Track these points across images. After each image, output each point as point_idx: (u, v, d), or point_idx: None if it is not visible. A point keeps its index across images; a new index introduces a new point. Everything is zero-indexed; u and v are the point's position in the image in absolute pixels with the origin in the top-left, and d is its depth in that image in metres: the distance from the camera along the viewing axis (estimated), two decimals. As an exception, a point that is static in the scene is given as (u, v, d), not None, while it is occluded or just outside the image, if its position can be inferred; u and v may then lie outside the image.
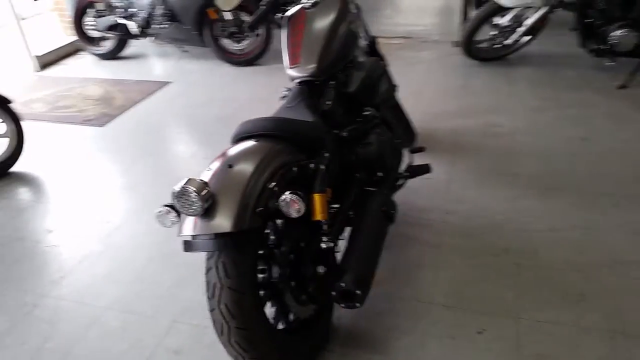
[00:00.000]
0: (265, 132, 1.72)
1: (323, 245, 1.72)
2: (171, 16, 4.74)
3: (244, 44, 4.79)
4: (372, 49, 2.85)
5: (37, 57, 5.13)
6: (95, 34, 5.22)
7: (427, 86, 4.12)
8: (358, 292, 1.66)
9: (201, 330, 2.01)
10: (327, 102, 2.09)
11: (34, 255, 2.53)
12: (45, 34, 5.77)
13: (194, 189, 1.39)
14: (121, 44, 5.23)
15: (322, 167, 1.77)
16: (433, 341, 1.90)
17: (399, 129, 2.93)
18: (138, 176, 3.18)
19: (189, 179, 1.42)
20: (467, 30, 4.20)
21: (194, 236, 1.48)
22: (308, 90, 2.08)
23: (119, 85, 4.64)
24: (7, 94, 3.30)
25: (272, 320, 1.72)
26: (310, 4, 2.28)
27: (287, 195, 1.48)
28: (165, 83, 4.61)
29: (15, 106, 3.32)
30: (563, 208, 2.55)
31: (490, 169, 2.92)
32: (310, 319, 1.84)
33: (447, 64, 4.52)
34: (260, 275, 1.66)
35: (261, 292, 1.65)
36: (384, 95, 2.56)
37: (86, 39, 5.27)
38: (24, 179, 3.27)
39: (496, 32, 4.25)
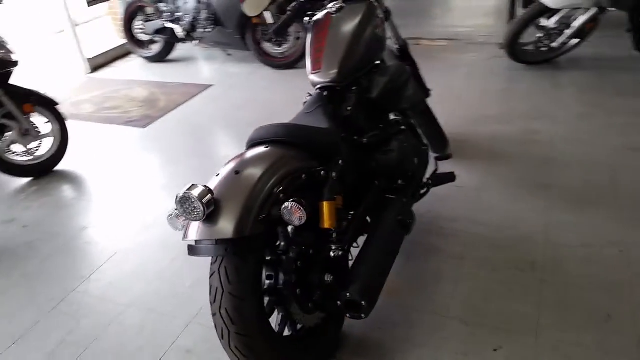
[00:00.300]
0: (277, 138, 1.72)
1: (332, 254, 1.71)
2: (215, 20, 4.84)
3: (285, 47, 4.83)
4: (404, 54, 2.80)
5: (88, 59, 5.37)
6: (143, 37, 5.41)
7: (467, 90, 4.01)
8: (363, 303, 1.62)
9: (214, 332, 2.02)
10: (348, 108, 2.07)
11: (67, 251, 2.64)
12: (100, 37, 6.03)
13: (196, 195, 1.41)
14: (168, 48, 5.39)
15: (334, 174, 1.75)
16: (445, 356, 1.84)
17: (430, 136, 2.87)
18: (175, 177, 3.26)
19: (192, 185, 1.44)
20: (511, 32, 4.05)
21: (197, 241, 1.50)
22: (328, 96, 2.07)
23: (163, 87, 4.78)
24: (54, 96, 3.47)
25: (278, 327, 1.73)
26: (335, 8, 2.26)
27: (289, 203, 1.47)
28: (208, 86, 4.70)
29: (65, 107, 3.49)
30: (599, 223, 2.41)
31: (525, 178, 2.80)
32: (319, 327, 1.83)
33: (491, 67, 4.38)
34: (267, 282, 1.67)
35: (266, 299, 1.66)
36: (411, 101, 2.50)
37: (135, 42, 5.47)
38: (66, 177, 3.42)
39: (542, 34, 4.08)
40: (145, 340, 2.05)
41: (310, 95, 2.16)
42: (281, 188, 1.55)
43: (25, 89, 3.31)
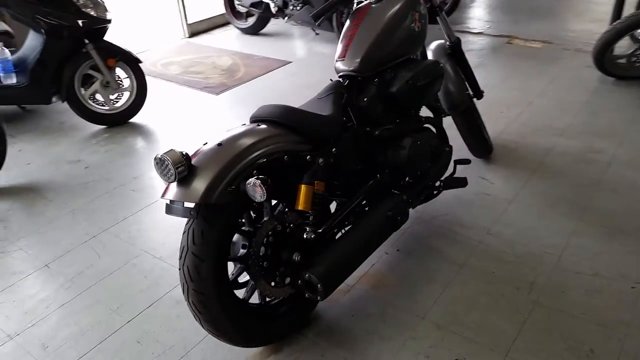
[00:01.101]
0: (273, 118, 1.80)
1: (305, 235, 1.77)
2: (305, 0, 4.96)
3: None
4: (455, 52, 2.72)
5: (189, 24, 5.75)
6: (242, 9, 5.67)
7: (542, 96, 3.78)
8: (319, 286, 1.68)
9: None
10: (365, 99, 2.09)
11: (114, 194, 2.95)
12: (204, 4, 6.41)
13: (170, 159, 1.54)
14: (263, 21, 5.62)
15: (320, 160, 1.80)
16: (406, 354, 1.84)
17: (468, 138, 2.78)
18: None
19: (171, 150, 1.57)
20: (601, 43, 3.73)
21: (171, 200, 1.64)
22: (348, 85, 2.10)
23: (247, 59, 5.02)
24: (139, 54, 3.81)
25: (245, 293, 1.84)
26: None
27: (252, 179, 1.56)
28: (288, 62, 4.86)
29: (155, 66, 3.82)
30: (622, 255, 2.22)
31: (564, 197, 2.64)
32: (289, 302, 1.91)
33: (579, 77, 4.08)
34: (242, 250, 1.77)
35: (237, 265, 1.78)
36: (433, 99, 2.46)
37: (234, 13, 5.76)
38: (136, 130, 3.77)
39: (638, 47, 3.72)
40: (148, 284, 2.26)
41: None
42: (257, 164, 1.64)
43: (114, 46, 3.67)
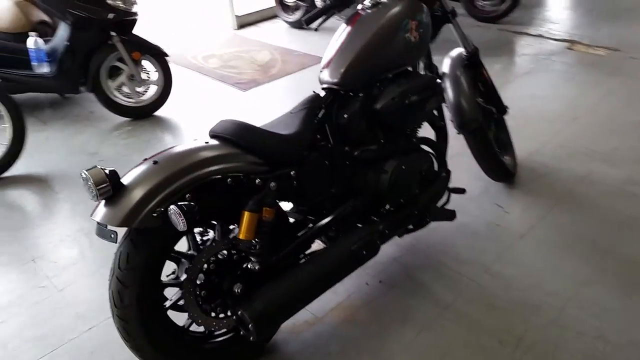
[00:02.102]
0: (225, 135, 1.66)
1: (249, 265, 1.63)
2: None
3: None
4: (473, 62, 2.45)
5: (237, 16, 5.70)
6: (289, 2, 5.55)
7: (591, 113, 3.37)
8: (251, 326, 1.54)
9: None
10: (345, 115, 1.90)
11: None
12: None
13: (92, 178, 1.44)
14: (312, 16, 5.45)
15: (273, 184, 1.64)
16: (354, 408, 1.67)
17: (482, 161, 2.50)
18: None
19: (95, 167, 1.46)
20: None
21: (98, 222, 1.53)
22: (329, 99, 1.91)
23: (287, 54, 4.89)
24: (165, 48, 3.79)
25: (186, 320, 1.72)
26: (370, 4, 2.06)
27: (173, 207, 1.43)
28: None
29: (195, 59, 3.78)
30: (637, 317, 1.90)
31: (584, 235, 2.30)
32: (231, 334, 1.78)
33: (639, 91, 3.61)
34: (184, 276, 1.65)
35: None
36: (420, 121, 2.20)
37: (282, 6, 5.65)
38: (159, 123, 3.76)
39: None
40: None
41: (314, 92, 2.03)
42: (192, 187, 1.51)
43: (141, 39, 3.67)
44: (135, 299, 1.52)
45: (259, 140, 1.67)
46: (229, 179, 1.58)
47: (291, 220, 1.91)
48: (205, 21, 6.08)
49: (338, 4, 2.13)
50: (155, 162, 1.54)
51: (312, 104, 1.89)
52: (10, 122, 3.10)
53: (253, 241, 1.61)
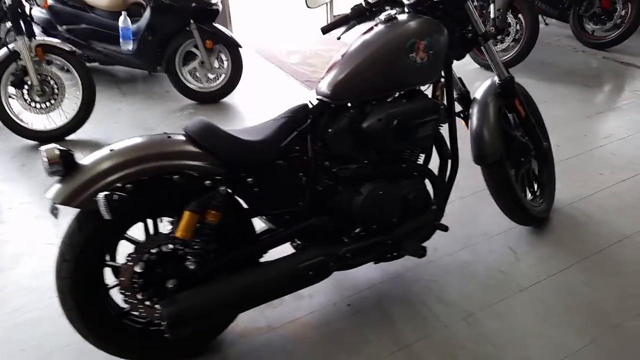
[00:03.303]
0: (189, 133, 1.69)
1: (187, 264, 1.65)
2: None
3: (500, 46, 4.26)
4: (507, 90, 2.24)
5: (334, 16, 5.73)
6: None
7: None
8: (164, 323, 1.56)
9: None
10: (329, 130, 1.84)
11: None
12: None
13: (46, 156, 1.54)
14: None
15: (222, 188, 1.64)
16: None
17: (499, 201, 2.28)
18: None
19: (52, 146, 1.56)
20: None
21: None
22: (318, 111, 1.87)
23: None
24: (240, 40, 3.92)
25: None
26: (385, 18, 1.97)
27: (100, 194, 1.48)
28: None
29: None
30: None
31: (595, 304, 2.00)
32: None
33: None
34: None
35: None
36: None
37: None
38: (220, 110, 3.93)
39: None
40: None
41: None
42: (135, 179, 1.56)
43: (217, 30, 3.84)
44: (70, 274, 1.60)
45: (219, 142, 1.68)
46: (175, 176, 1.61)
47: (266, 226, 1.90)
48: (305, 18, 6.18)
49: (356, 15, 2.06)
50: (111, 150, 1.61)
51: (297, 113, 1.85)
52: (81, 90, 3.42)
53: (191, 241, 1.63)
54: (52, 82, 3.43)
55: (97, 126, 3.65)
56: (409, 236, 1.93)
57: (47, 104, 3.45)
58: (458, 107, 2.31)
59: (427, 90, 2.02)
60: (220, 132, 1.69)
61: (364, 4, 2.04)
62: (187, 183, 1.62)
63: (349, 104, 1.87)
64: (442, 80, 2.05)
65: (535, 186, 2.52)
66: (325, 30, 2.11)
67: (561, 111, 3.65)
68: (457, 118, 2.23)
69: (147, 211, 1.68)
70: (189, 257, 1.65)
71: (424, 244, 1.98)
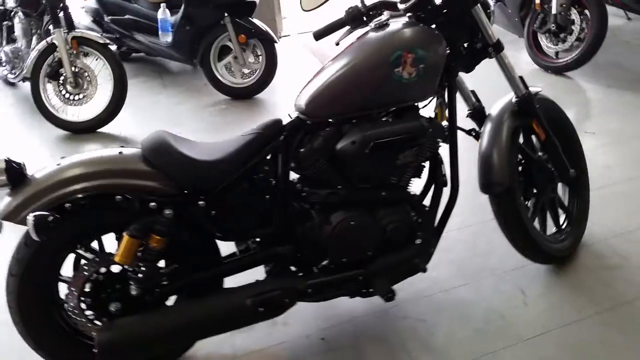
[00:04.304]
0: (143, 151, 1.60)
1: (131, 291, 1.56)
2: (497, -6, 4.17)
3: (561, 46, 3.82)
4: (526, 110, 1.95)
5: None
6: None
7: None
8: (98, 353, 1.48)
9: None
10: (302, 150, 1.68)
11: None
12: None
13: None
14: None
15: (168, 212, 1.53)
16: None
17: (505, 233, 2.01)
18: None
19: (3, 159, 1.52)
20: None
21: None
22: (290, 127, 1.71)
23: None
24: (274, 35, 3.80)
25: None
26: (377, 24, 1.76)
27: (30, 216, 1.41)
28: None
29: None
30: None
31: (611, 368, 1.71)
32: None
33: None
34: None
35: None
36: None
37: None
38: (251, 107, 3.85)
39: None
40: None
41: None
42: (74, 197, 1.49)
43: (253, 24, 3.74)
44: (16, 289, 1.57)
45: (170, 161, 1.56)
46: (118, 197, 1.51)
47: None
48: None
49: (351, 20, 1.86)
50: (58, 164, 1.55)
51: (268, 129, 1.70)
52: (113, 84, 3.45)
53: (131, 267, 1.54)
54: (85, 74, 3.49)
55: (131, 118, 3.69)
56: (385, 273, 1.73)
57: (80, 95, 3.52)
58: (471, 124, 2.05)
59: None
60: (172, 150, 1.57)
61: (360, 6, 1.84)
62: (130, 204, 1.52)
63: (330, 121, 1.69)
64: (443, 95, 1.82)
65: (562, 218, 2.20)
66: (318, 35, 1.94)
67: (623, 125, 3.20)
68: (466, 137, 2.00)
69: (93, 229, 1.61)
70: (131, 282, 1.56)
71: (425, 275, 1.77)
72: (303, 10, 2.11)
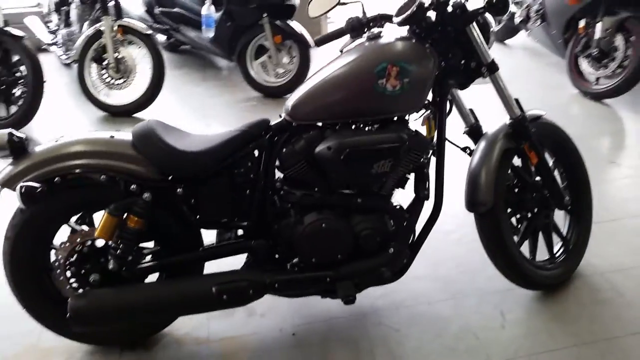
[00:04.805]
0: (132, 136, 1.70)
1: (109, 265, 1.67)
2: (543, 15, 4.06)
3: (602, 72, 3.68)
4: (518, 133, 1.91)
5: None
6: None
7: None
8: (69, 318, 1.59)
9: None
10: (284, 150, 1.74)
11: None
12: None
13: None
14: (508, 30, 4.90)
15: (147, 195, 1.63)
16: None
17: (489, 255, 1.99)
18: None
19: (6, 131, 1.65)
20: None
21: None
22: (279, 129, 1.77)
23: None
24: (309, 39, 3.87)
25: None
26: (372, 34, 1.80)
27: (18, 186, 1.54)
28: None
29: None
30: None
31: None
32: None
33: None
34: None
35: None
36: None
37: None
38: (280, 106, 3.90)
39: None
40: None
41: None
42: (66, 173, 1.61)
43: (289, 26, 3.83)
44: (9, 250, 1.70)
45: (152, 148, 1.65)
46: (102, 177, 1.62)
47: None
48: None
49: (350, 29, 1.91)
50: (56, 141, 1.68)
51: (254, 128, 1.77)
52: (152, 72, 3.64)
53: (111, 243, 1.65)
54: (127, 61, 3.69)
55: (167, 106, 3.86)
56: (352, 278, 1.76)
57: (120, 81, 3.72)
58: (467, 141, 2.04)
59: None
60: (156, 138, 1.66)
61: (360, 17, 1.88)
62: (113, 185, 1.63)
63: (317, 124, 1.74)
64: (434, 110, 1.83)
65: (559, 246, 2.15)
66: (319, 42, 1.99)
67: (654, 158, 3.07)
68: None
69: (82, 205, 1.73)
70: (109, 257, 1.67)
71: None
72: (310, 17, 2.18)
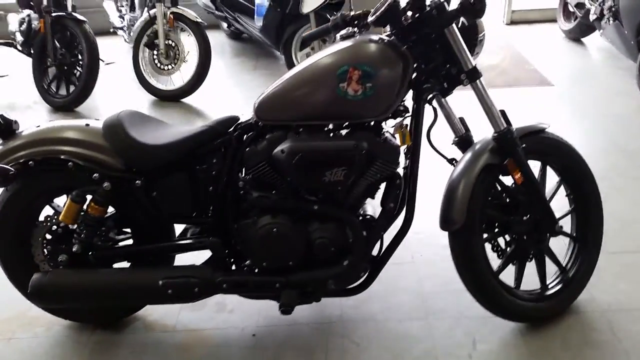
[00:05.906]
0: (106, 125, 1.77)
1: (73, 248, 1.77)
2: (616, 13, 3.65)
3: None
4: (503, 148, 1.74)
5: (512, 11, 5.05)
6: (571, 7, 4.59)
7: None
8: (29, 293, 1.70)
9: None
10: (247, 149, 1.73)
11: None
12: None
13: None
14: (582, 29, 4.48)
15: (107, 184, 1.69)
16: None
17: (463, 280, 1.85)
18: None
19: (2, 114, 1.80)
20: None
21: None
22: (245, 128, 1.76)
23: (517, 65, 4.21)
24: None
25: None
26: (342, 35, 1.74)
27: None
28: (547, 83, 3.81)
29: None
30: None
31: None
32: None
33: None
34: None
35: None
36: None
37: (564, 11, 4.72)
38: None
39: None
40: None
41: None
42: (43, 157, 1.71)
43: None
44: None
45: (115, 139, 1.70)
46: (70, 163, 1.70)
47: None
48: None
49: (334, 28, 1.86)
50: (37, 127, 1.80)
51: (221, 125, 1.78)
52: (198, 60, 3.76)
53: (73, 227, 1.75)
54: (176, 47, 3.83)
55: (213, 93, 3.97)
56: (301, 286, 1.72)
57: (169, 66, 3.88)
58: (456, 152, 1.90)
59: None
60: (120, 129, 1.71)
61: (344, 15, 1.82)
62: (80, 172, 1.71)
63: (283, 125, 1.71)
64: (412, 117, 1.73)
65: (555, 275, 1.95)
66: (307, 38, 1.96)
67: None
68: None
69: (57, 188, 1.83)
70: (74, 240, 1.76)
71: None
72: (302, 12, 2.12)
